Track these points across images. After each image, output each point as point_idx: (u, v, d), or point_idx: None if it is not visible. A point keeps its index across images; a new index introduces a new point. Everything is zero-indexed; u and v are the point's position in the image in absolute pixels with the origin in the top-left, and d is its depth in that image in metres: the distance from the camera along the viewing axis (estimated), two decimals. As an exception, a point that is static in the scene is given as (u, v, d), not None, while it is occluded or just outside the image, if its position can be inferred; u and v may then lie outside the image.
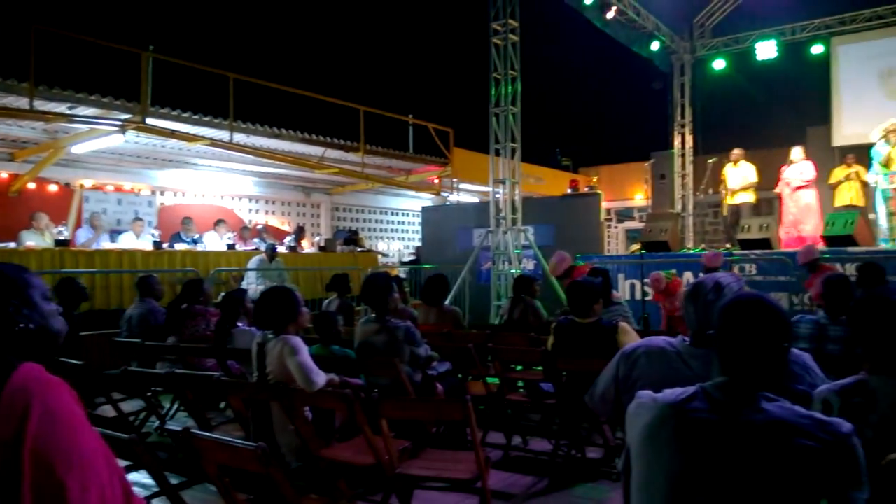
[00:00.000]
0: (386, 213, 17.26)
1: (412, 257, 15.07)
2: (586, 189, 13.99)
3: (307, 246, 12.54)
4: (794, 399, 2.21)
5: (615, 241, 17.73)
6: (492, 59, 10.18)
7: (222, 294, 6.50)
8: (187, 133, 9.90)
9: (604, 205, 15.44)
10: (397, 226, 17.61)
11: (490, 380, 5.06)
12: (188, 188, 12.85)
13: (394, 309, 4.40)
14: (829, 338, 3.90)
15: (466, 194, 16.01)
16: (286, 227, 14.29)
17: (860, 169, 10.44)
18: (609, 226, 17.56)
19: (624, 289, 9.98)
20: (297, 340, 3.61)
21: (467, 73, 16.05)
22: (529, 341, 5.29)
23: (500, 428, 5.02)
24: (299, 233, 12.39)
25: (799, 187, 10.48)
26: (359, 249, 12.80)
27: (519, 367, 5.48)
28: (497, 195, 10.40)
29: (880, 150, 9.52)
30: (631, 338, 3.93)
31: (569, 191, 13.73)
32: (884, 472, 1.37)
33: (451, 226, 12.48)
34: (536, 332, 5.54)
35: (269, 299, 3.74)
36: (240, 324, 5.16)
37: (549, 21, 15.26)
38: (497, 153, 10.30)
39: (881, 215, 9.58)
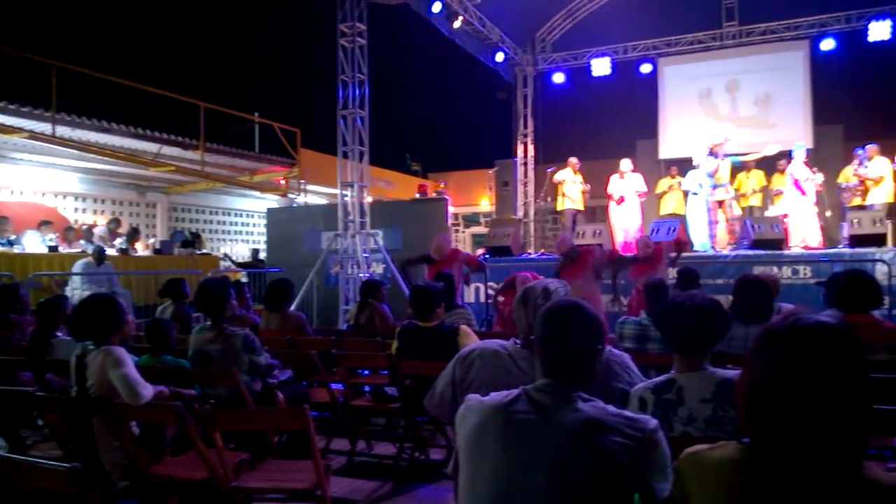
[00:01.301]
0: (229, 214, 16.56)
1: (252, 260, 14.53)
2: (434, 194, 14.22)
3: (141, 248, 11.75)
4: (613, 396, 2.38)
5: (462, 246, 18.19)
6: (339, 60, 10.07)
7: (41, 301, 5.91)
8: (3, 124, 8.95)
9: (451, 210, 15.79)
10: (241, 227, 16.94)
11: (335, 385, 4.98)
12: (4, 184, 11.61)
13: (231, 316, 4.21)
14: (650, 338, 4.20)
15: (314, 196, 15.74)
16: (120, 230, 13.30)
17: (682, 180, 11.42)
18: (456, 230, 17.99)
19: (469, 291, 10.23)
20: (121, 351, 3.35)
21: (315, 73, 15.78)
22: (375, 346, 5.27)
23: (344, 434, 4.97)
24: (132, 234, 11.57)
25: (624, 198, 11.26)
26: (198, 252, 12.17)
27: (366, 372, 5.46)
28: (345, 198, 10.30)
29: (708, 165, 10.42)
30: (471, 340, 4.02)
31: (417, 195, 13.90)
32: (681, 465, 1.48)
33: (299, 228, 12.20)
34: (383, 336, 5.53)
35: (87, 308, 3.44)
36: (59, 333, 4.72)
37: (400, 27, 15.38)
38: (345, 156, 10.20)
39: (700, 223, 10.51)
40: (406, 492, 4.21)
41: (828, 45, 12.93)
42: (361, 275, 9.71)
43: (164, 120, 11.67)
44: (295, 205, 14.70)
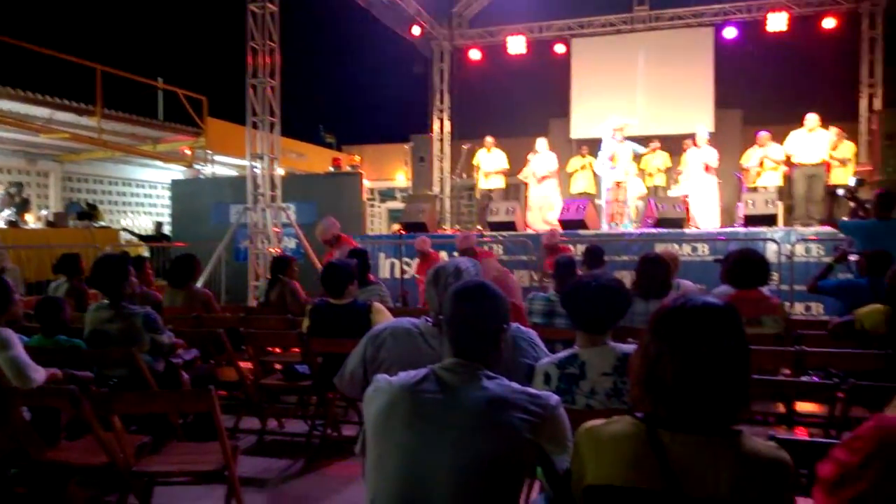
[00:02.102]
0: (130, 184, 15.78)
1: (156, 234, 13.94)
2: (349, 168, 14.04)
3: (32, 221, 11.06)
4: (520, 371, 2.44)
5: (378, 221, 18.08)
6: (249, 27, 9.72)
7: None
8: None
9: (367, 184, 15.65)
10: (143, 199, 16.19)
11: (244, 364, 4.88)
12: None
13: (131, 293, 4.04)
14: (558, 313, 4.32)
15: (222, 167, 15.22)
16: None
17: (593, 160, 11.74)
18: (372, 205, 17.85)
19: (384, 268, 10.22)
20: (8, 333, 3.17)
21: (224, 38, 15.16)
22: (286, 324, 5.20)
23: (254, 413, 4.89)
24: (22, 205, 10.88)
25: (544, 177, 11.50)
26: (96, 225, 11.57)
27: (277, 350, 5.38)
28: (255, 170, 10.01)
29: (608, 146, 10.75)
30: (384, 317, 4.02)
31: (331, 169, 13.69)
32: (578, 439, 1.55)
33: (206, 201, 11.79)
34: (294, 314, 5.46)
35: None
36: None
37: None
38: (255, 126, 9.90)
39: (605, 202, 10.86)
40: (318, 469, 4.20)
41: (730, 33, 13.50)
42: (272, 250, 9.51)
43: (57, 83, 10.95)
44: (201, 176, 14.19)
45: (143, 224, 15.57)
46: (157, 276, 8.23)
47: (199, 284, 6.58)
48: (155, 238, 13.10)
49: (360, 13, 12.66)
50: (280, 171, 10.37)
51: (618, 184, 10.64)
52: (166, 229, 13.61)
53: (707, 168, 10.68)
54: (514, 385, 1.72)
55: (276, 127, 9.95)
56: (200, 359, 4.87)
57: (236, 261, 10.64)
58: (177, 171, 14.98)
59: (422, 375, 1.74)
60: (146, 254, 10.94)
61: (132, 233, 13.48)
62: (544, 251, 8.07)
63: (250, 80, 9.79)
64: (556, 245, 7.92)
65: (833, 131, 10.20)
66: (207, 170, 14.22)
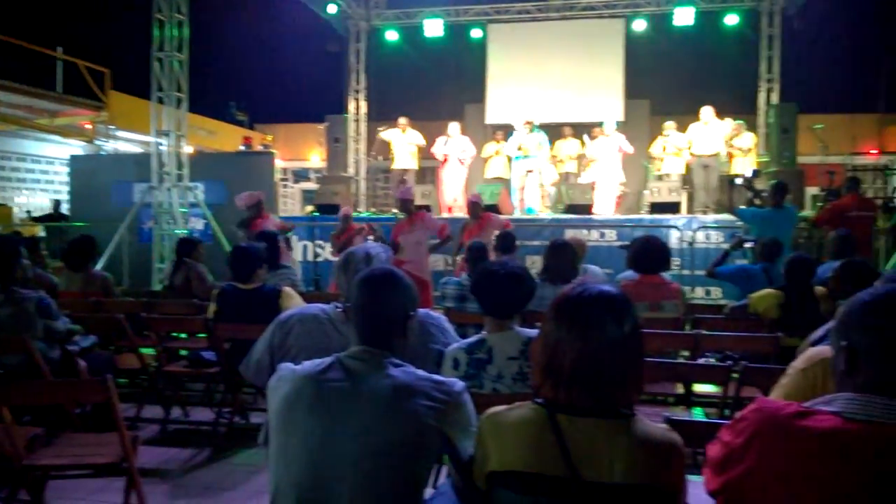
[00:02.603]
0: (24, 160, 14.81)
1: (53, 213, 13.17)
2: (261, 147, 13.68)
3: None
4: (429, 357, 2.47)
5: (291, 202, 17.71)
6: (155, -3, 9.30)
7: None
8: None
9: (280, 164, 15.31)
10: (39, 176, 15.24)
11: (146, 351, 4.71)
12: None
13: (23, 277, 3.81)
14: (470, 298, 4.38)
15: (126, 144, 14.53)
16: None
17: (506, 145, 11.87)
18: (285, 186, 17.48)
19: (297, 250, 10.04)
20: None
21: (128, 8, 14.40)
22: (192, 308, 5.05)
23: (158, 401, 4.73)
24: None
25: (458, 160, 11.54)
26: (-15, 203, 10.85)
27: (183, 336, 5.21)
28: (161, 147, 9.61)
29: (517, 137, 10.91)
30: (295, 302, 3.96)
31: (242, 147, 13.31)
32: (481, 425, 1.58)
33: (107, 179, 11.20)
34: (200, 298, 5.30)
35: None
36: None
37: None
38: (161, 101, 9.50)
39: (515, 188, 11.04)
40: (224, 458, 4.11)
41: (639, 25, 13.94)
42: (178, 231, 9.18)
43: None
44: (103, 152, 13.49)
45: (40, 202, 14.65)
46: (53, 258, 7.80)
47: (98, 267, 6.29)
48: (52, 217, 12.37)
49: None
50: (188, 149, 10.00)
51: (528, 171, 10.83)
52: (64, 208, 12.87)
53: (622, 153, 10.95)
54: (420, 372, 1.73)
55: (183, 103, 9.58)
56: (99, 346, 4.66)
57: (139, 242, 10.20)
58: (76, 147, 14.14)
59: (327, 364, 1.72)
60: (42, 234, 10.33)
61: (27, 212, 12.69)
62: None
63: (156, 54, 9.37)
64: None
65: (731, 123, 10.72)
66: (109, 146, 13.53)
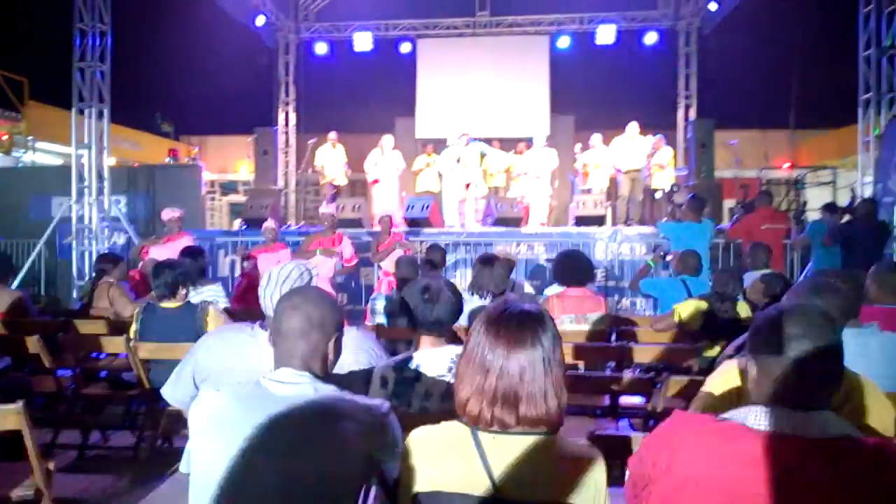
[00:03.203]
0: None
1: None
2: (187, 159, 13.34)
3: None
4: (358, 375, 2.46)
5: (219, 215, 17.32)
6: (77, 6, 9.01)
7: None
8: None
9: (207, 176, 14.95)
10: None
11: (64, 372, 4.52)
12: None
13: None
14: (399, 314, 4.39)
15: (44, 156, 13.91)
16: None
17: (438, 158, 11.95)
18: (212, 198, 17.09)
19: (224, 266, 9.82)
20: None
21: (49, 16, 13.83)
22: (112, 328, 4.87)
23: (75, 426, 4.54)
24: None
25: (379, 180, 11.50)
26: None
27: (102, 356, 5.02)
28: (81, 160, 9.27)
29: (453, 151, 10.98)
30: (219, 320, 3.89)
31: (168, 160, 12.95)
32: (408, 445, 1.59)
33: (24, 192, 10.75)
34: (121, 317, 5.12)
35: None
36: None
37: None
38: (81, 112, 9.19)
39: (451, 201, 11.11)
40: (146, 483, 3.96)
41: (564, 42, 14.34)
42: (99, 247, 8.85)
43: None
44: (21, 164, 12.89)
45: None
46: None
47: (14, 285, 6.00)
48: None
49: (204, -1, 12.05)
50: (110, 162, 9.69)
51: (466, 185, 10.93)
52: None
53: (549, 170, 11.19)
54: (345, 394, 1.72)
55: (105, 114, 9.31)
56: (14, 368, 4.45)
57: (58, 258, 9.78)
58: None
59: (249, 386, 1.69)
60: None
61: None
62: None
63: (77, 64, 9.10)
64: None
65: (654, 139, 11.12)
66: (28, 158, 12.96)
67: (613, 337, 4.62)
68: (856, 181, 9.26)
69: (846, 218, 7.19)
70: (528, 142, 11.55)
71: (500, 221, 9.96)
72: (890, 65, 8.71)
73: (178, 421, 4.67)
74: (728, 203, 12.13)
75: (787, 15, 14.47)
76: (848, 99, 9.56)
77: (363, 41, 14.54)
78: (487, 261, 4.46)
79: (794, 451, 1.31)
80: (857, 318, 2.87)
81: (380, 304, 4.59)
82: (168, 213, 7.16)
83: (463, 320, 2.85)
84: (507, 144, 12.46)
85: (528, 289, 5.70)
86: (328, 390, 1.71)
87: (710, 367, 2.98)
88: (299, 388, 1.69)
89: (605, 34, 13.78)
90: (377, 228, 10.52)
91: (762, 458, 1.32)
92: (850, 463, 1.28)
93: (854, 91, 9.13)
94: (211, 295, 5.04)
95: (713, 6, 12.76)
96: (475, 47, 14.83)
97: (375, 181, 11.39)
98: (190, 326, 3.74)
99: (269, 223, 7.73)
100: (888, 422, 2.11)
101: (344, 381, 1.85)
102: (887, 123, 8.53)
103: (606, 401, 3.97)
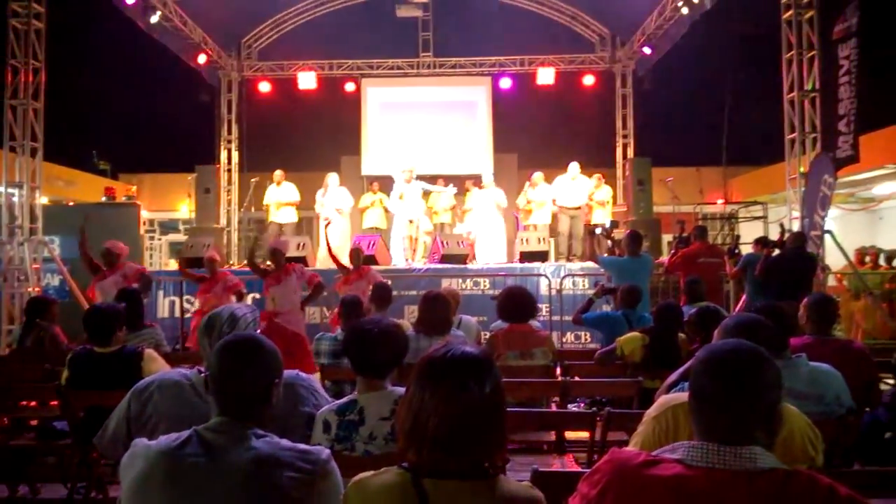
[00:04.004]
0: None
1: None
2: (125, 198, 13.02)
3: None
4: (300, 421, 2.42)
5: (158, 255, 16.89)
6: (9, 43, 8.82)
7: None
8: None
9: (146, 215, 14.62)
10: None
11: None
12: None
13: None
14: (344, 354, 4.34)
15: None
16: None
17: (384, 196, 11.99)
18: (151, 238, 16.69)
19: (163, 307, 9.56)
20: None
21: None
22: (43, 374, 4.67)
23: (3, 479, 4.31)
24: None
25: (337, 210, 11.47)
26: None
27: (33, 404, 4.80)
28: (12, 199, 8.98)
29: (399, 186, 11.03)
30: (158, 365, 3.77)
31: (104, 198, 12.61)
32: (347, 492, 1.57)
33: (-51, 233, 10.26)
34: (53, 362, 4.91)
35: None
36: None
37: (90, 13, 13.86)
38: (13, 150, 8.95)
39: (397, 238, 11.11)
40: (78, 538, 3.78)
41: (505, 83, 14.76)
42: (30, 290, 8.52)
43: None
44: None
45: None
46: None
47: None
48: None
49: (143, 36, 11.90)
50: (43, 201, 9.40)
51: (410, 221, 10.97)
52: None
53: (498, 207, 11.36)
54: (284, 442, 1.68)
55: (38, 152, 9.08)
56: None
57: (-15, 302, 9.34)
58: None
59: (184, 438, 1.64)
60: None
61: None
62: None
63: (9, 101, 8.88)
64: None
65: (594, 177, 11.43)
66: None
67: (558, 371, 4.66)
68: (785, 216, 9.67)
69: (777, 252, 7.48)
70: (475, 180, 11.71)
71: (445, 258, 10.01)
72: (812, 106, 9.20)
73: (114, 472, 4.49)
74: (667, 237, 12.48)
75: (717, 59, 15.18)
76: (776, 138, 10.04)
77: (307, 80, 14.60)
78: (432, 298, 4.46)
79: (725, 485, 1.35)
80: (787, 350, 2.99)
81: (325, 345, 4.53)
82: (115, 246, 6.97)
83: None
84: (453, 182, 12.59)
85: (474, 325, 5.72)
86: (266, 439, 1.67)
87: (650, 399, 3.04)
88: (236, 438, 1.65)
89: (545, 76, 14.23)
90: (320, 268, 10.49)
91: (695, 494, 1.35)
92: (779, 496, 1.33)
93: (781, 130, 9.60)
94: (148, 337, 4.89)
95: (647, 50, 13.28)
96: (419, 86, 15.07)
97: (327, 220, 11.33)
98: (126, 371, 3.61)
99: (212, 253, 7.69)
100: (815, 451, 2.19)
101: (285, 427, 1.81)
102: (812, 161, 8.97)
103: (552, 436, 4.00)
